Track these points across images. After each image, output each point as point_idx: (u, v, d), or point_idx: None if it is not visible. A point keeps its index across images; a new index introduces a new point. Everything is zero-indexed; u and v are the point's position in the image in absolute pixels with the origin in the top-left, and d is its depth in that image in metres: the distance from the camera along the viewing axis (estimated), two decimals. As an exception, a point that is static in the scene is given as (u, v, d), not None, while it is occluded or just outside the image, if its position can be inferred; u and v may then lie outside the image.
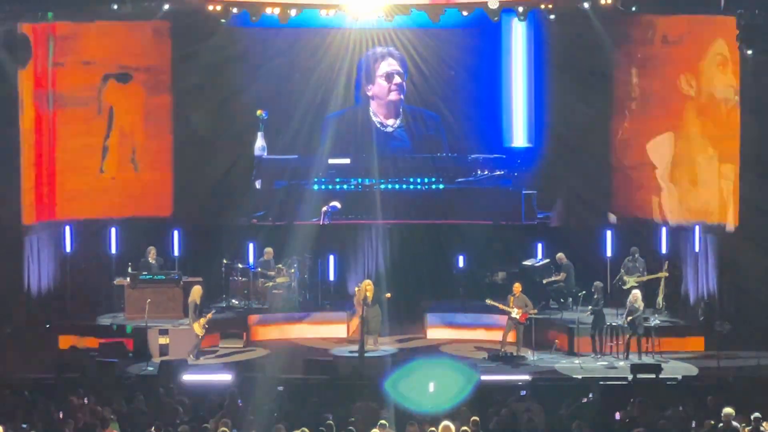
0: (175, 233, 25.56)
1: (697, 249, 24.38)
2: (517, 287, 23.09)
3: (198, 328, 22.66)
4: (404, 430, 15.72)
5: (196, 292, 22.95)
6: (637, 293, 22.54)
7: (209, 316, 22.92)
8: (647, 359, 22.06)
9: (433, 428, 15.47)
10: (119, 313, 24.66)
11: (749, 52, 22.59)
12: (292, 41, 26.98)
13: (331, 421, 15.76)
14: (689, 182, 25.01)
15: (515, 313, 22.78)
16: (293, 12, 24.99)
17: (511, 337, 23.00)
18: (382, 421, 15.72)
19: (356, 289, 24.09)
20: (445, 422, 15.09)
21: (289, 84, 27.40)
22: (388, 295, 23.90)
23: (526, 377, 20.37)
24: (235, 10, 25.07)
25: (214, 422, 15.76)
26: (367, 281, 23.69)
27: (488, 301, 23.45)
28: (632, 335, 22.28)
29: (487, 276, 25.70)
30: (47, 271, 25.19)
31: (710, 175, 24.56)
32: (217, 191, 26.58)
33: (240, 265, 25.71)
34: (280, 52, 27.10)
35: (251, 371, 20.50)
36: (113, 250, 25.37)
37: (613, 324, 22.72)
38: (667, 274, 24.24)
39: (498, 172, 27.41)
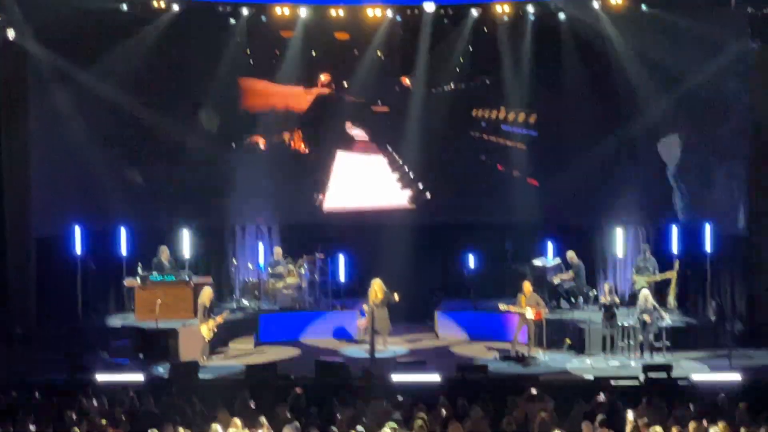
0: (185, 233, 25.49)
1: (708, 249, 24.30)
2: (527, 286, 23.01)
3: (205, 330, 22.48)
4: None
5: (206, 294, 22.86)
6: (646, 292, 22.47)
7: (219, 319, 22.81)
8: (659, 359, 22.00)
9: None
10: (129, 313, 24.68)
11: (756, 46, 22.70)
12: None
13: None
14: (699, 181, 24.95)
15: (529, 312, 22.71)
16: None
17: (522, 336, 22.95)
18: (392, 423, 15.69)
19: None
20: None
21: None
22: (397, 296, 23.72)
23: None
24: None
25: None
26: (377, 281, 23.60)
27: (501, 306, 23.28)
28: (644, 334, 22.20)
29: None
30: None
31: (720, 175, 24.53)
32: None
33: (250, 266, 25.65)
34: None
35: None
36: (123, 252, 25.32)
37: (625, 324, 22.65)
38: (675, 275, 24.16)
39: None
